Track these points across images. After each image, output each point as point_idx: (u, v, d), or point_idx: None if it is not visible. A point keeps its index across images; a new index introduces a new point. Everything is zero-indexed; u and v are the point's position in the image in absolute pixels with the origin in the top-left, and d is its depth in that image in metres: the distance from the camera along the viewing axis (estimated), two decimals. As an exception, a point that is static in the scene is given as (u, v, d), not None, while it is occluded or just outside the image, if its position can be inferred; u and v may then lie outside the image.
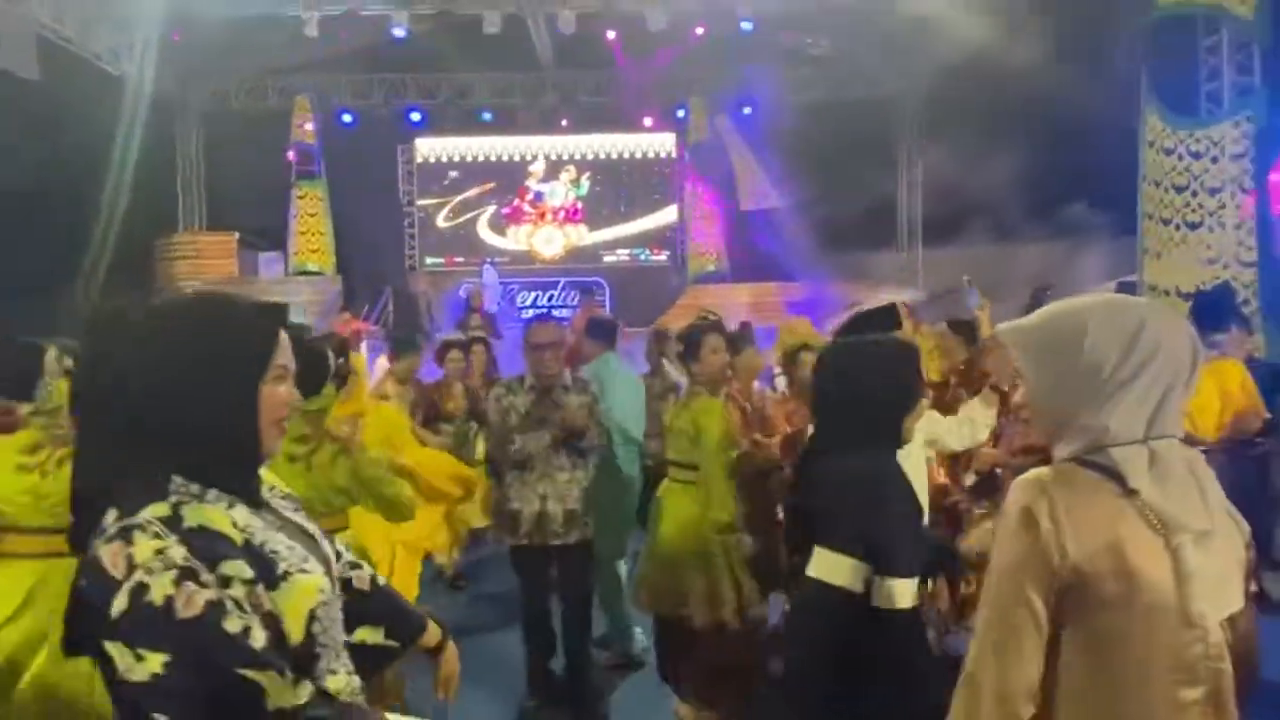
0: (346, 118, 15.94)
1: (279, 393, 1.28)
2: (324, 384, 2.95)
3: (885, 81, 15.73)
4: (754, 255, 15.44)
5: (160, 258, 14.33)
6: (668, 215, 16.82)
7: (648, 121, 16.39)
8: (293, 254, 15.25)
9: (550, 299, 15.25)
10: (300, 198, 15.22)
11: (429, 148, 16.69)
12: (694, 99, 15.76)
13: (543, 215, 16.69)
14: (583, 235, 16.70)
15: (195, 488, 1.18)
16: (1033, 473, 1.33)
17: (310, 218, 15.25)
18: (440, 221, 16.77)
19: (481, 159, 16.74)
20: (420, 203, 16.76)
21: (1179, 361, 1.29)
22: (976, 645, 1.29)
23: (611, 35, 13.71)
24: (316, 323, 13.14)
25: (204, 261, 14.21)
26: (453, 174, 16.70)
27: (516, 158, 16.71)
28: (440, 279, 16.00)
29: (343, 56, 14.45)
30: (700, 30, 13.71)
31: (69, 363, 2.58)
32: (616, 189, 16.82)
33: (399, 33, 12.98)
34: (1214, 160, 7.35)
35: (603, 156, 16.73)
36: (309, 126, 15.21)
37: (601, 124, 16.35)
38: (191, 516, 1.15)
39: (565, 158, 16.70)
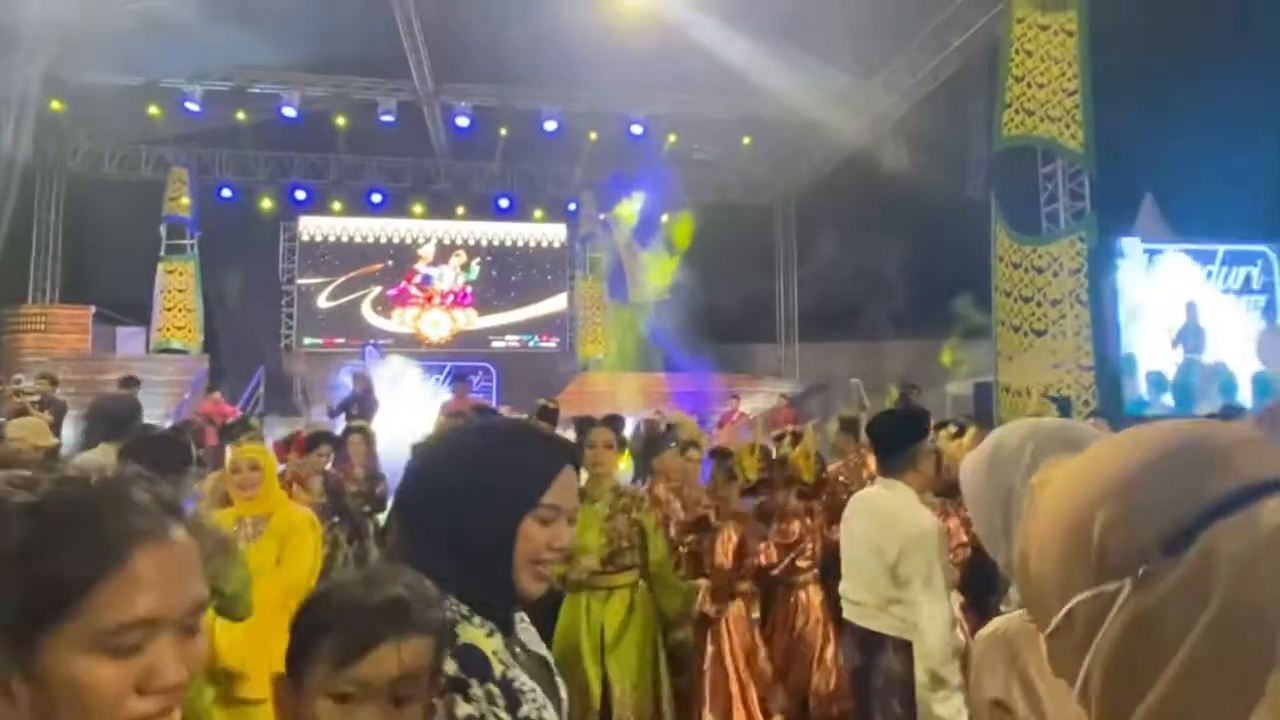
0: (226, 192, 15.45)
1: (541, 532, 1.20)
2: (184, 471, 2.77)
3: (765, 187, 16.77)
4: (641, 345, 15.76)
5: (6, 330, 13.18)
6: (557, 303, 16.99)
7: (538, 212, 16.71)
8: (156, 330, 14.38)
9: (436, 383, 14.93)
10: (169, 272, 14.48)
11: (313, 226, 16.34)
12: (585, 194, 16.26)
13: (430, 298, 16.51)
14: (471, 320, 16.60)
15: (464, 608, 1.16)
16: (991, 623, 1.28)
17: (178, 294, 14.50)
18: (321, 301, 16.29)
19: (369, 240, 16.51)
20: (301, 281, 16.27)
21: None
22: None
23: (504, 132, 14.03)
24: (181, 403, 12.35)
25: (54, 335, 13.17)
26: (337, 254, 16.36)
27: (406, 240, 16.59)
28: (319, 360, 15.42)
29: (225, 130, 14.10)
30: (593, 135, 14.28)
31: None
32: (507, 275, 16.91)
33: (289, 112, 12.84)
34: (1054, 274, 8.18)
35: (494, 243, 16.85)
36: (185, 200, 14.63)
37: (493, 213, 16.53)
38: (463, 634, 1.13)
39: (456, 242, 16.71)
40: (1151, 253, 10.76)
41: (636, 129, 13.87)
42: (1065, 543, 0.56)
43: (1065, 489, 0.58)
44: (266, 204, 15.68)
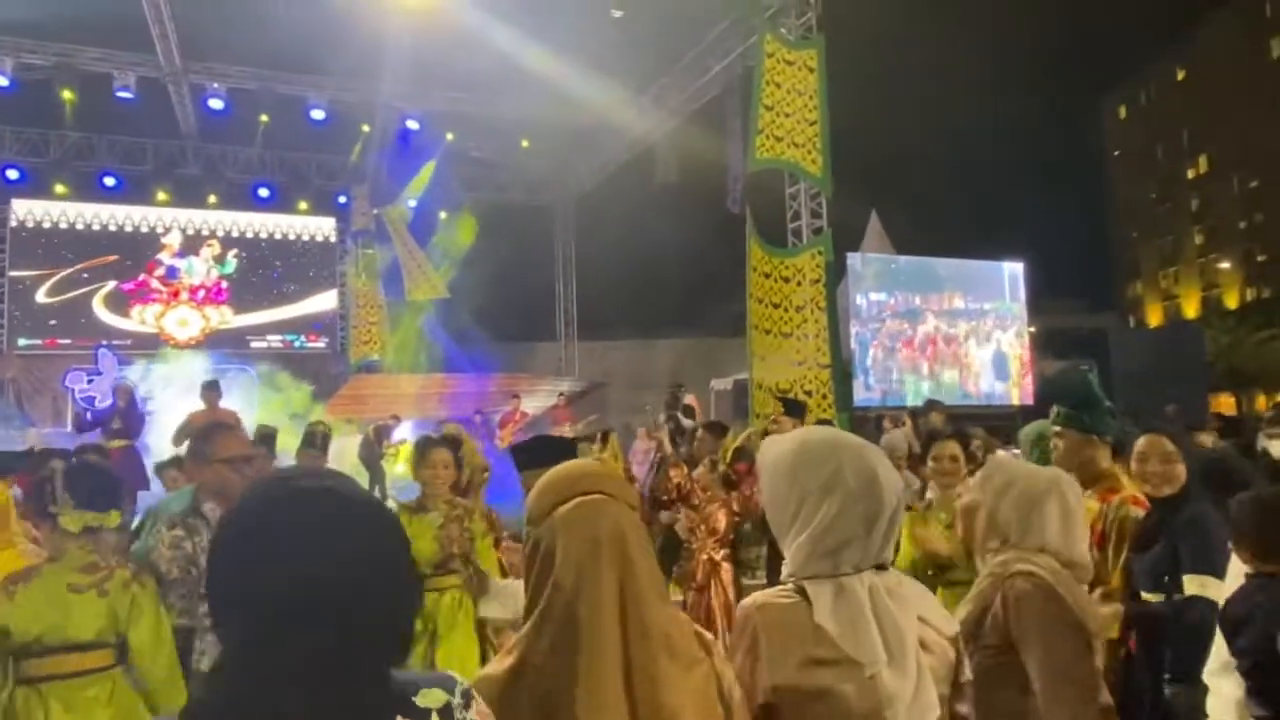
0: (-88, 167, 13.12)
1: None
2: (117, 502, 2.64)
3: (544, 188, 17.05)
4: (420, 345, 15.45)
5: None
6: (326, 300, 16.17)
7: (303, 204, 15.80)
8: None
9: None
10: None
11: (31, 211, 14.28)
12: (357, 188, 15.61)
13: (176, 294, 15.05)
14: (226, 317, 15.34)
15: None
16: (753, 596, 1.48)
17: None
18: (41, 297, 14.29)
19: (100, 228, 14.72)
20: (13, 274, 14.16)
21: (871, 499, 1.39)
22: None
23: (265, 119, 13.14)
24: None
25: None
26: (61, 243, 14.42)
27: (145, 229, 14.98)
28: (38, 364, 13.54)
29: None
30: (365, 128, 13.79)
31: None
32: (269, 270, 15.81)
33: (2, 81, 11.17)
34: (799, 284, 9.19)
35: (254, 235, 15.68)
36: None
37: (252, 202, 15.38)
38: None
39: (207, 232, 15.36)
40: (890, 265, 12.51)
41: (413, 124, 13.59)
42: None
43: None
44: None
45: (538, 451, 2.86)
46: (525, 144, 14.83)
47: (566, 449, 2.98)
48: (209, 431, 2.93)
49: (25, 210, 14.25)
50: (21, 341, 14.05)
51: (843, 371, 9.25)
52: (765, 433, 5.16)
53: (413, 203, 15.63)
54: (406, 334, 15.32)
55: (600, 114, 12.75)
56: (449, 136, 14.37)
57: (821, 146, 9.02)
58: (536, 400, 14.46)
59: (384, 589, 0.99)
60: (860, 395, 11.16)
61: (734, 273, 11.21)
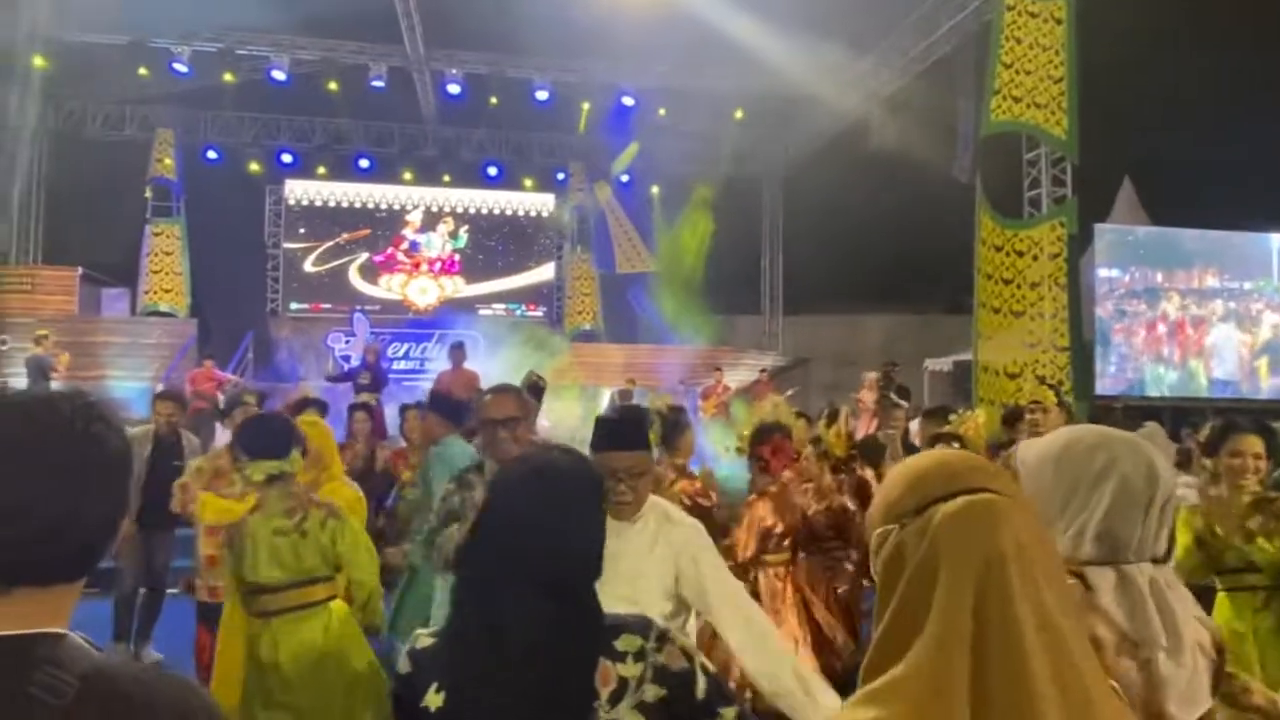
0: (212, 154, 15.32)
1: None
2: (290, 449, 2.87)
3: (754, 160, 16.85)
4: (627, 317, 15.95)
5: (-11, 291, 13.10)
6: (545, 273, 17.09)
7: (528, 181, 16.73)
8: (144, 293, 14.34)
9: (424, 351, 15.04)
10: (156, 235, 14.41)
11: (300, 190, 16.25)
12: (574, 164, 16.29)
13: (418, 265, 16.54)
14: (459, 287, 16.66)
15: None
16: None
17: (165, 256, 14.44)
18: (308, 266, 16.27)
19: (357, 205, 16.46)
20: (287, 246, 16.22)
21: (1137, 491, 1.40)
22: None
23: (494, 101, 14.02)
24: (169, 366, 12.39)
25: (40, 297, 13.11)
26: (324, 219, 16.31)
27: (394, 206, 16.56)
28: (305, 325, 15.46)
29: (212, 91, 13.97)
30: (585, 105, 14.30)
31: None
32: (494, 244, 16.95)
33: (279, 75, 12.75)
34: (1034, 258, 8.44)
35: (482, 211, 16.86)
36: (169, 161, 14.51)
37: (482, 180, 16.52)
38: None
39: (444, 209, 16.70)
40: (1126, 237, 11.11)
41: (628, 100, 13.92)
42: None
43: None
44: (254, 167, 15.58)
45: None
46: (739, 115, 14.72)
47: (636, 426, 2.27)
48: (486, 394, 3.06)
49: (299, 190, 16.22)
50: (293, 305, 16.11)
51: (1083, 356, 8.41)
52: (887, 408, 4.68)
53: (624, 178, 16.07)
54: (615, 305, 15.87)
55: (815, 82, 12.35)
56: (661, 112, 14.58)
57: (1067, 106, 8.21)
58: (739, 374, 14.47)
59: (593, 535, 1.32)
60: (1100, 384, 10.10)
61: (953, 246, 10.50)
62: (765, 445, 3.87)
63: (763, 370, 14.22)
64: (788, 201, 17.29)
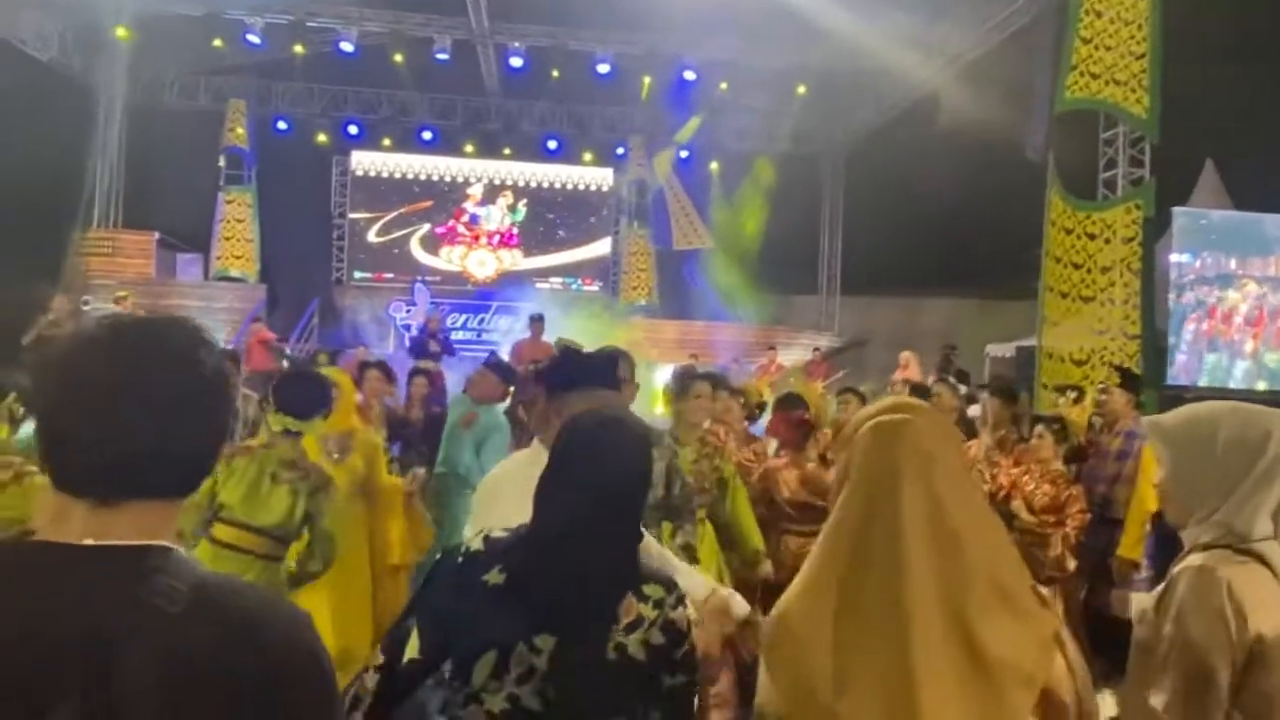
0: (282, 125, 15.70)
1: None
2: (315, 414, 3.02)
3: (815, 137, 16.58)
4: (683, 293, 15.93)
5: (75, 253, 13.70)
6: (601, 247, 17.15)
7: (587, 155, 16.76)
8: (216, 259, 14.85)
9: (481, 322, 15.30)
10: (229, 202, 14.88)
11: (366, 161, 16.57)
12: (634, 138, 16.25)
13: (477, 238, 16.76)
14: (517, 260, 16.84)
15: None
16: (1196, 558, 1.49)
17: (237, 223, 14.91)
18: (371, 236, 16.62)
19: (420, 177, 16.72)
20: (352, 216, 16.59)
21: None
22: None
23: (556, 73, 14.05)
24: (240, 330, 12.84)
25: (120, 260, 13.70)
26: (388, 190, 16.62)
27: (455, 179, 16.77)
28: (368, 294, 15.84)
29: (282, 62, 14.29)
30: (646, 79, 14.23)
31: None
32: (553, 218, 17.07)
33: (347, 47, 12.97)
34: (1107, 242, 8.17)
35: (541, 185, 16.97)
36: (241, 131, 14.93)
37: (541, 154, 16.61)
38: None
39: (503, 183, 16.86)
40: (1200, 221, 10.64)
41: (689, 74, 13.81)
42: None
43: None
44: (321, 138, 15.92)
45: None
46: (801, 90, 14.49)
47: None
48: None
49: (364, 161, 16.54)
50: (357, 274, 16.50)
51: (1155, 344, 8.14)
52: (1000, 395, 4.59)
53: (683, 154, 15.98)
54: (671, 281, 15.86)
55: (884, 53, 12.04)
56: (722, 86, 14.43)
57: (1149, 84, 7.88)
58: (793, 353, 14.39)
59: (643, 477, 1.59)
60: (1171, 373, 9.75)
61: (1019, 228, 10.20)
62: (778, 415, 4.03)
63: (816, 349, 14.10)
64: (849, 179, 16.99)
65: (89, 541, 0.92)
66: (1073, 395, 6.09)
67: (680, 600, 1.52)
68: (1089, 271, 8.22)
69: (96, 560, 0.92)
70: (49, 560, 0.92)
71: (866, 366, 14.75)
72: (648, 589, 1.50)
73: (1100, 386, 4.94)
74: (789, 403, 4.11)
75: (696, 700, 1.55)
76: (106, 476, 0.93)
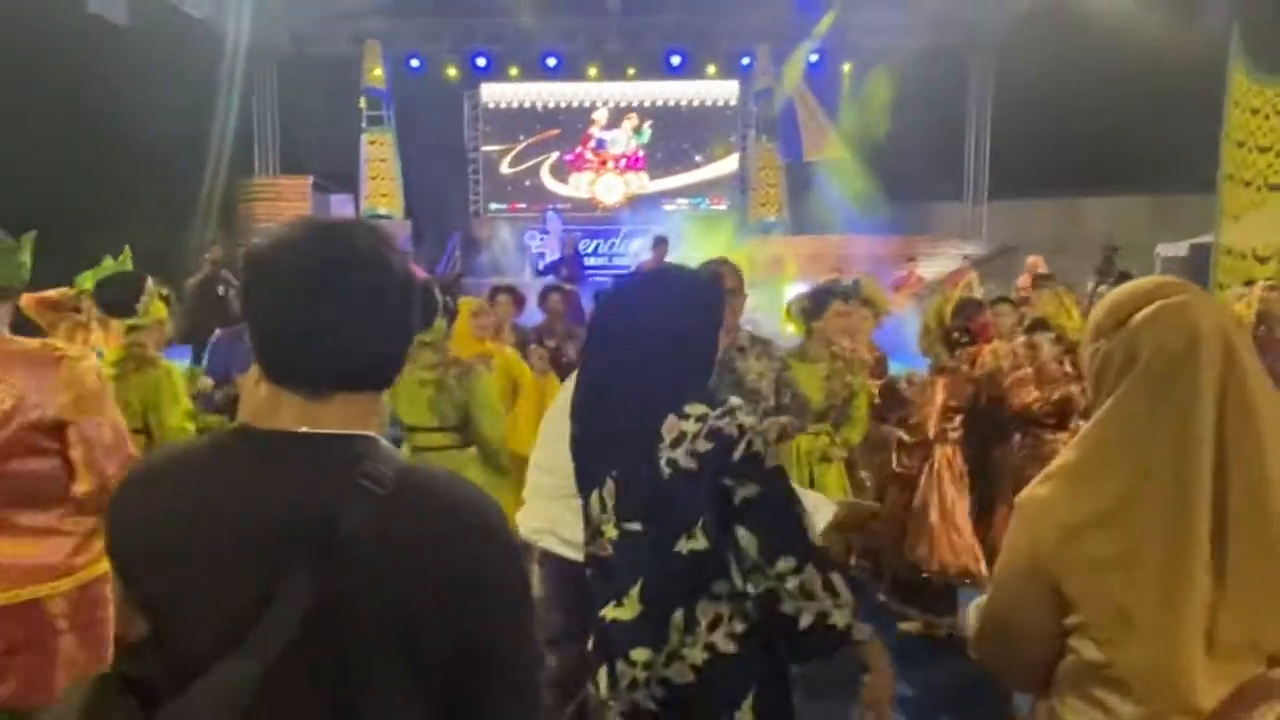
0: (414, 62, 16.16)
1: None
2: (435, 318, 3.38)
3: (956, 28, 15.33)
4: (815, 206, 15.41)
5: (240, 199, 14.90)
6: (728, 165, 16.81)
7: (711, 69, 16.29)
8: (364, 198, 15.71)
9: (612, 246, 15.49)
10: (371, 143, 15.61)
11: (495, 94, 16.86)
12: (760, 46, 15.60)
13: (604, 163, 16.83)
14: (644, 183, 16.82)
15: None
16: None
17: (380, 163, 15.65)
18: (504, 168, 17.03)
19: (545, 106, 16.87)
20: (485, 149, 17.02)
21: None
22: None
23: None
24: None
25: (281, 204, 14.74)
26: (517, 121, 16.89)
27: (580, 105, 16.81)
28: (504, 224, 16.34)
29: (408, 1, 14.62)
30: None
31: (164, 290, 3.29)
32: (678, 137, 16.83)
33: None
34: (1301, 120, 7.20)
35: (665, 104, 16.72)
36: (379, 72, 15.50)
37: (664, 71, 16.29)
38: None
39: (628, 105, 16.74)
40: None
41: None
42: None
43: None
44: (451, 71, 16.29)
45: None
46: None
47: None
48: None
49: (494, 93, 16.83)
50: (492, 206, 17.03)
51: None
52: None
53: (813, 57, 15.22)
54: (802, 195, 15.36)
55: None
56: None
57: (1363, -72, 6.75)
58: (936, 264, 13.71)
59: (671, 325, 1.68)
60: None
61: (1194, 113, 9.12)
62: (968, 319, 4.00)
63: (965, 258, 13.35)
64: (998, 74, 15.67)
65: (305, 429, 1.01)
66: (1245, 291, 5.46)
67: (731, 412, 1.57)
68: (1278, 156, 7.31)
69: (314, 446, 1.00)
70: (275, 446, 1.01)
71: (1018, 276, 13.86)
72: (689, 408, 1.58)
73: (1269, 284, 4.45)
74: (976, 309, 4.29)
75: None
76: (317, 371, 1.00)
